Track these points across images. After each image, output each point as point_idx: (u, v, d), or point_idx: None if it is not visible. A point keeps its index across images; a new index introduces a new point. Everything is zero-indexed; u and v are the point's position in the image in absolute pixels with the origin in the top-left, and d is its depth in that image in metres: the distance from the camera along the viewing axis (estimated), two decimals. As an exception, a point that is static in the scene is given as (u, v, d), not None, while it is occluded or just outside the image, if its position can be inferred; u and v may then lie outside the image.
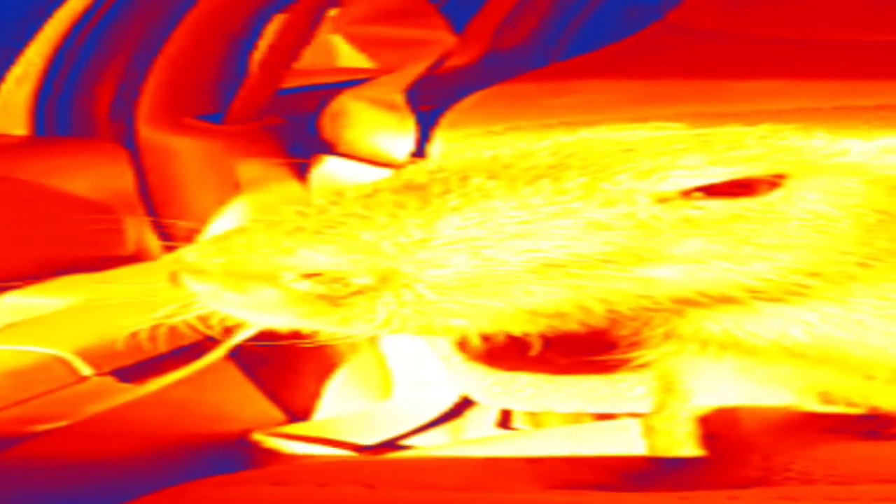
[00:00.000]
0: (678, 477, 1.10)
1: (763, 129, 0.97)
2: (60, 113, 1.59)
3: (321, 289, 0.85)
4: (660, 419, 1.17)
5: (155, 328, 1.00)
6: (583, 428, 1.46)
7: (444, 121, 1.53)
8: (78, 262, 1.43)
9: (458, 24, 1.90)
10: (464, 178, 0.89)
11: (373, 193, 0.89)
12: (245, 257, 0.85)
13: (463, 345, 1.42)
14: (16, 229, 1.41)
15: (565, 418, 1.51)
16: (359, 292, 0.85)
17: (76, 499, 1.30)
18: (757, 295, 0.91)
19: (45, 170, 1.49)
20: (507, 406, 1.54)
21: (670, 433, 1.15)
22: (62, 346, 1.22)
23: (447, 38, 1.75)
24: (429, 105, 1.66)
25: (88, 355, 1.22)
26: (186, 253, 0.88)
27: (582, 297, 0.88)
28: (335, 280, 0.84)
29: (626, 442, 1.28)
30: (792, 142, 0.96)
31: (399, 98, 1.68)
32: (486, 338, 0.90)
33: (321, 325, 0.89)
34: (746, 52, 1.65)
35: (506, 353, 0.93)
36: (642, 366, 1.12)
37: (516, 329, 0.90)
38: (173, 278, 0.89)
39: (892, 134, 1.00)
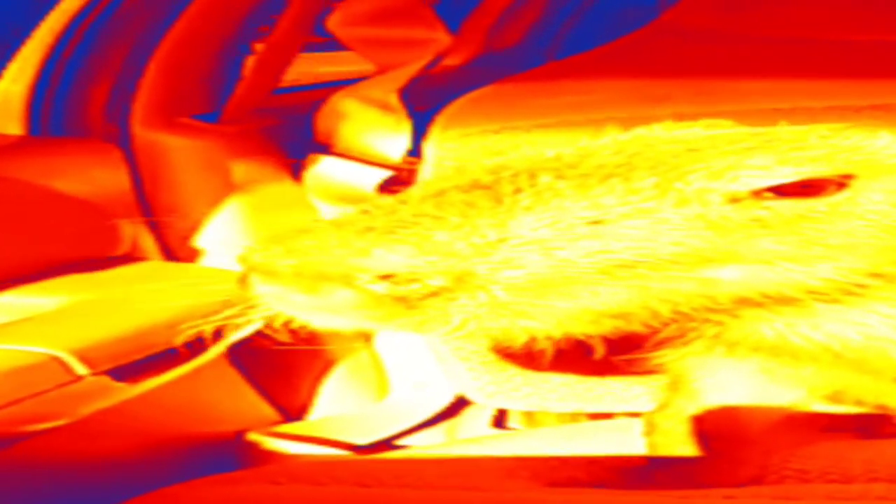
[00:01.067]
0: (675, 476, 1.10)
1: (825, 127, 0.97)
2: (55, 113, 1.59)
3: (397, 290, 0.84)
4: (662, 417, 1.17)
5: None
6: (579, 427, 1.46)
7: (439, 120, 1.53)
8: (73, 262, 1.42)
9: (452, 24, 1.90)
10: (532, 177, 0.88)
11: (440, 193, 0.88)
12: (316, 258, 0.83)
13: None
14: (10, 229, 1.41)
15: (561, 418, 1.51)
16: (434, 294, 0.84)
17: (72, 499, 1.30)
18: (817, 296, 0.91)
19: (39, 170, 1.49)
20: (502, 405, 1.54)
21: (671, 431, 1.15)
22: (58, 346, 1.22)
23: (442, 38, 1.75)
24: (424, 105, 1.66)
25: (84, 355, 1.21)
26: (253, 253, 0.86)
27: (647, 298, 0.88)
28: (410, 281, 0.83)
29: (623, 441, 1.28)
30: (856, 141, 0.95)
31: (394, 98, 1.68)
32: (553, 340, 0.90)
33: (395, 327, 0.88)
34: (741, 52, 1.65)
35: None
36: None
37: (583, 330, 0.90)
38: (241, 280, 0.87)
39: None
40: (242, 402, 1.57)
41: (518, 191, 0.87)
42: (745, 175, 0.89)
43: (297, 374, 1.63)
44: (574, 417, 1.50)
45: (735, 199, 0.88)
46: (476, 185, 0.88)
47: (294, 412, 1.62)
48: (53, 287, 1.38)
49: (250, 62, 1.69)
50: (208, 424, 1.53)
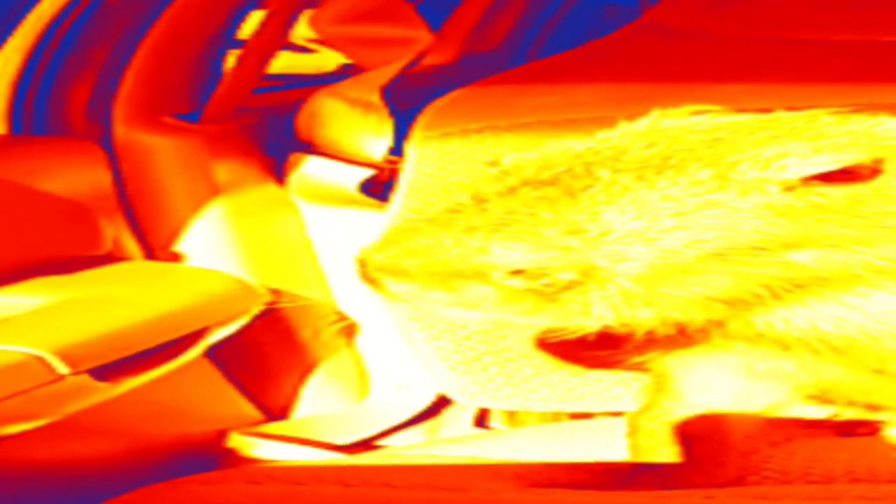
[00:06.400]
0: (656, 477, 1.10)
1: (820, 113, 0.99)
2: (37, 112, 1.58)
3: (534, 285, 0.85)
4: (645, 418, 1.17)
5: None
6: (560, 427, 1.46)
7: (421, 120, 1.53)
8: (54, 261, 1.42)
9: (434, 23, 1.90)
10: (589, 173, 0.90)
11: (510, 191, 0.90)
12: (440, 257, 0.85)
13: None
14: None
15: (543, 417, 1.51)
16: (568, 287, 0.86)
17: (53, 498, 1.30)
18: (884, 276, 0.93)
19: (20, 169, 1.48)
20: (484, 405, 1.54)
21: (654, 433, 1.15)
22: (39, 345, 1.21)
23: (423, 37, 1.75)
24: (405, 104, 1.66)
25: (65, 354, 1.21)
26: (371, 253, 0.88)
27: (747, 283, 0.91)
28: (541, 276, 0.85)
29: (604, 441, 1.28)
30: (861, 125, 0.98)
31: (375, 97, 1.68)
32: (681, 327, 0.92)
33: (538, 320, 0.90)
34: (724, 52, 1.66)
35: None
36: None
37: (699, 316, 0.92)
38: (369, 280, 0.89)
39: None
40: (224, 402, 1.57)
41: (588, 186, 0.89)
42: (790, 164, 0.91)
43: (278, 373, 1.63)
44: (556, 417, 1.50)
45: (789, 188, 0.90)
46: (541, 182, 0.90)
47: (275, 412, 1.62)
48: (34, 286, 1.37)
49: (231, 61, 1.68)
50: (190, 424, 1.53)
